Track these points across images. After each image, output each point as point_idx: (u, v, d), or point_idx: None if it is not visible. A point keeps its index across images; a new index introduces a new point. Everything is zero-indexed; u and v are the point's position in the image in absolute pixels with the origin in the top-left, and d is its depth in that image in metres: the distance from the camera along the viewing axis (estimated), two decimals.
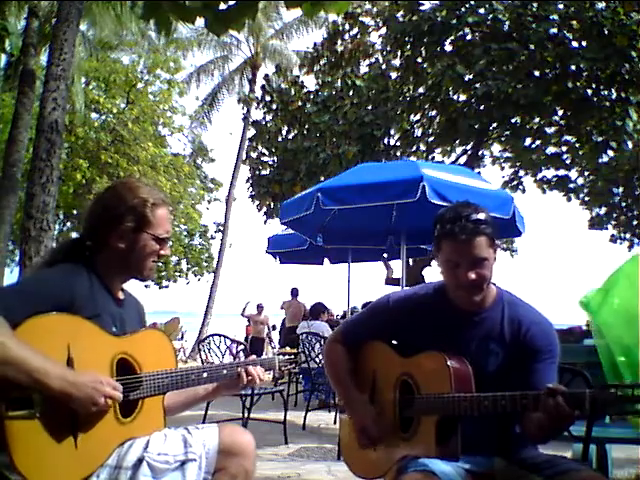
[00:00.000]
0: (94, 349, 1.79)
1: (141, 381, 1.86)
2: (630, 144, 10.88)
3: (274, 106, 13.62)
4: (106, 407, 1.73)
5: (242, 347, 7.11)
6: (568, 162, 13.11)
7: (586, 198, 15.38)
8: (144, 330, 2.01)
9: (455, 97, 12.12)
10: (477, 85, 10.50)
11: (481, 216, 1.95)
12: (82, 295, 1.82)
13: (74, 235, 18.52)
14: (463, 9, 10.78)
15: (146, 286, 19.03)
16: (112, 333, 1.86)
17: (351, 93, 12.56)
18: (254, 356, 2.25)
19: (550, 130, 12.21)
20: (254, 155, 14.38)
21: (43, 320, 1.70)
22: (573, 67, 10.16)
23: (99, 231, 1.95)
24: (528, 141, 12.62)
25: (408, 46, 11.70)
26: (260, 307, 14.96)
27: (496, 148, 14.49)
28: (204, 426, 1.95)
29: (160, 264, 18.93)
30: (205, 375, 2.02)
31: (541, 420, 1.75)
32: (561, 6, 10.44)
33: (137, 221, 1.93)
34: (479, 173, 12.17)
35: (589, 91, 10.49)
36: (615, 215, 16.09)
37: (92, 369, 1.74)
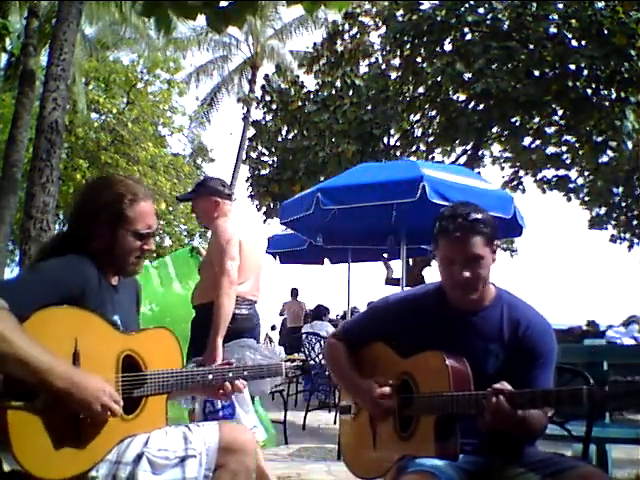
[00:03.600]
0: (101, 344, 1.79)
1: (146, 379, 1.86)
2: (630, 144, 10.88)
3: (274, 106, 13.63)
4: (104, 416, 1.72)
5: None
6: (568, 162, 13.12)
7: (586, 198, 15.39)
8: (152, 328, 2.00)
9: (455, 97, 12.13)
10: (476, 84, 10.50)
11: (478, 215, 1.96)
12: (92, 283, 1.83)
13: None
14: (463, 8, 10.79)
15: None
16: (120, 329, 1.87)
17: (351, 93, 12.57)
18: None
19: (550, 130, 12.23)
20: (254, 155, 14.39)
21: (52, 312, 1.71)
22: (572, 66, 10.18)
23: (79, 227, 1.94)
24: (528, 141, 12.64)
25: (408, 46, 11.71)
26: None
27: (496, 148, 14.51)
28: (205, 424, 1.95)
29: None
30: (210, 377, 2.01)
31: (485, 419, 1.78)
32: (560, 5, 10.46)
33: (113, 218, 1.90)
34: (479, 173, 12.17)
35: (589, 90, 10.51)
36: (615, 215, 16.09)
37: (98, 364, 1.75)
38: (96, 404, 1.68)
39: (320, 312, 9.12)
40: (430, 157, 13.60)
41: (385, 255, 10.55)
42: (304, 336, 7.33)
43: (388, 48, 12.73)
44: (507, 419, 1.74)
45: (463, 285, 1.97)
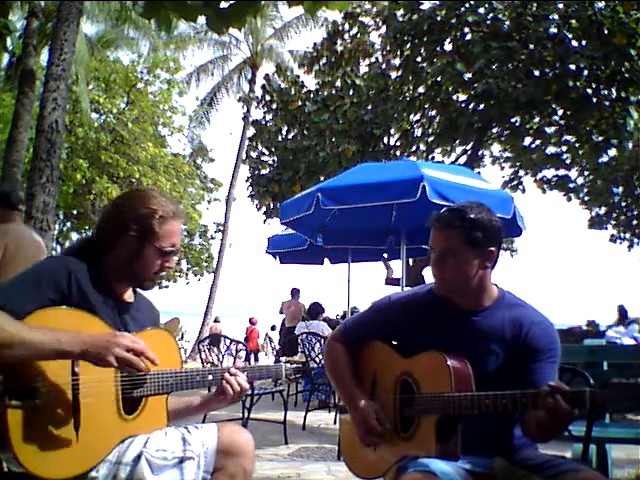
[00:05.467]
0: None
1: (145, 379, 1.85)
2: (630, 143, 10.88)
3: (274, 105, 13.62)
4: (131, 359, 1.72)
5: (242, 347, 7.10)
6: (568, 162, 13.11)
7: (586, 198, 15.39)
8: (150, 329, 2.00)
9: (455, 97, 12.12)
10: (477, 84, 10.49)
11: (471, 215, 1.95)
12: (80, 286, 1.83)
13: (75, 235, 18.54)
14: (463, 8, 10.78)
15: None
16: (118, 330, 1.86)
17: (351, 92, 12.56)
18: (260, 363, 2.25)
19: (550, 130, 12.22)
20: (254, 155, 14.37)
21: (48, 313, 1.72)
22: (573, 66, 10.16)
23: (107, 234, 1.98)
24: (528, 141, 12.63)
25: (408, 45, 11.69)
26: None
27: (496, 148, 14.51)
28: (203, 425, 1.95)
29: None
30: (210, 377, 2.01)
31: (541, 418, 1.76)
32: (560, 5, 10.45)
33: (142, 231, 1.94)
34: (479, 173, 12.16)
35: (589, 90, 10.49)
36: (615, 215, 16.10)
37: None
38: (119, 348, 1.69)
39: (316, 310, 9.09)
40: (430, 157, 13.59)
41: (385, 255, 10.54)
42: (303, 336, 7.33)
43: (388, 48, 12.72)
44: (566, 418, 1.71)
45: (435, 277, 2.02)
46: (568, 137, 12.21)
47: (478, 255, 1.97)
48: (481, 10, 10.76)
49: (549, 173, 14.18)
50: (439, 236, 1.99)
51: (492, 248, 1.99)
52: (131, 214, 1.95)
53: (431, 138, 13.28)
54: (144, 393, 1.86)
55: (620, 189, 15.30)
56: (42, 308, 1.71)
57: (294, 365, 2.29)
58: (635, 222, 15.88)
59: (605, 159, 12.67)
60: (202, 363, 6.55)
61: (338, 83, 12.93)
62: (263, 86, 14.14)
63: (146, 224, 1.94)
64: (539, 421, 1.77)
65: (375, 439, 2.03)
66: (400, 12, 11.73)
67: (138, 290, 2.08)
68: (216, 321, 20.24)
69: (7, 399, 1.59)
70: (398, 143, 13.30)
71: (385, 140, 13.09)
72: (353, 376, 2.17)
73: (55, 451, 1.66)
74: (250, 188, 14.07)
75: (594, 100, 10.50)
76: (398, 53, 12.28)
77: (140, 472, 1.76)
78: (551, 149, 12.90)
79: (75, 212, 17.85)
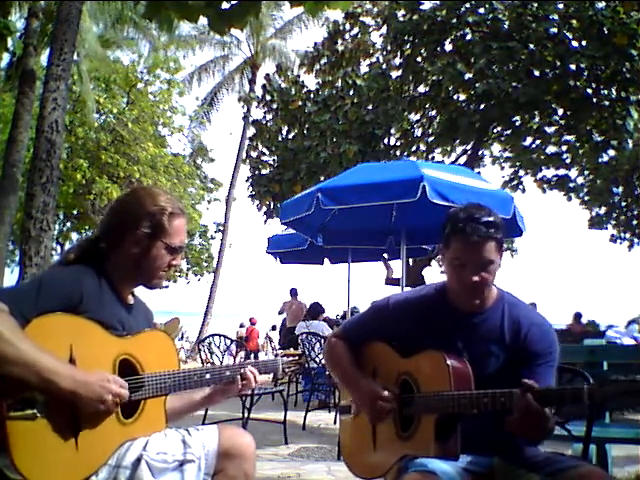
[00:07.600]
0: (96, 349, 1.79)
1: (143, 382, 1.85)
2: (630, 143, 10.88)
3: (274, 105, 13.62)
4: (113, 406, 1.72)
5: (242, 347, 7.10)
6: (568, 162, 13.12)
7: (586, 198, 15.40)
8: (147, 331, 1.99)
9: (455, 96, 12.13)
10: (477, 84, 10.50)
11: (493, 220, 1.96)
12: (90, 296, 1.82)
13: (75, 235, 18.54)
14: (463, 8, 10.79)
15: None
16: (115, 334, 1.86)
17: (351, 92, 12.56)
18: (259, 358, 2.26)
19: (550, 130, 12.22)
20: (254, 154, 14.37)
21: (47, 320, 1.70)
22: (573, 66, 10.17)
23: (115, 233, 1.96)
24: (528, 141, 12.64)
25: (408, 45, 11.71)
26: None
27: (496, 148, 14.51)
28: (204, 427, 1.94)
29: None
30: (208, 376, 2.01)
31: (515, 419, 1.77)
32: (561, 5, 10.45)
33: (153, 228, 1.93)
34: (479, 173, 12.16)
35: (589, 90, 10.50)
36: (615, 215, 16.10)
37: (94, 369, 1.74)
38: (106, 395, 1.69)
39: (317, 311, 9.10)
40: (430, 157, 13.59)
41: (385, 255, 10.55)
42: (303, 336, 7.33)
43: (389, 48, 12.73)
44: (536, 417, 1.72)
45: (470, 289, 1.98)
46: (568, 137, 12.21)
47: (501, 258, 2.00)
48: (481, 10, 10.77)
49: (549, 173, 14.20)
50: (478, 248, 1.94)
51: (504, 246, 2.04)
52: (141, 211, 1.94)
53: (431, 138, 13.28)
54: (142, 396, 1.85)
55: (620, 189, 15.31)
56: (42, 315, 1.70)
57: (290, 358, 2.30)
58: (635, 222, 15.88)
59: (605, 159, 12.67)
60: (202, 363, 6.55)
61: (339, 83, 12.93)
62: (264, 86, 14.14)
63: (156, 221, 1.93)
64: (513, 422, 1.78)
65: (385, 408, 2.01)
66: (401, 12, 11.74)
67: (135, 293, 2.07)
68: (242, 326, 20.56)
69: (5, 407, 1.59)
70: (398, 143, 13.30)
71: (385, 140, 13.09)
72: (355, 366, 2.16)
73: (54, 458, 1.66)
74: (250, 188, 14.07)
75: (594, 100, 10.51)
76: (399, 53, 12.29)
77: (140, 475, 1.76)
78: (551, 149, 12.91)
79: (75, 212, 17.85)
